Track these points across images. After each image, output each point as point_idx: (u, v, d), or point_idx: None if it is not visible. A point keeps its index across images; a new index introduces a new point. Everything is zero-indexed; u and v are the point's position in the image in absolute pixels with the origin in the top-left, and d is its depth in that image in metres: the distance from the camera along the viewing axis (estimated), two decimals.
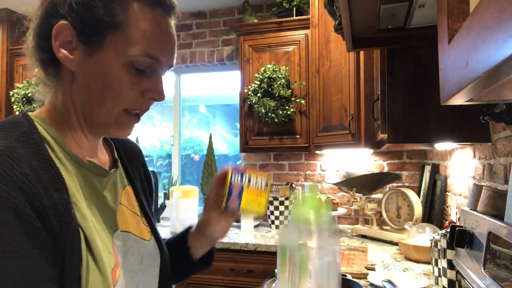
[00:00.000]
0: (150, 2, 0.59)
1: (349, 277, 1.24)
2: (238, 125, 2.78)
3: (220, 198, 0.77)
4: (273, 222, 2.62)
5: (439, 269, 1.33)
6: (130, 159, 0.78)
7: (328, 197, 2.52)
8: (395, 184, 2.56)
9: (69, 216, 0.54)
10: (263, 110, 2.50)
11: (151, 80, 0.62)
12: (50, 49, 0.59)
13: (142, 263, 0.69)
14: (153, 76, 0.62)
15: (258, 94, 2.50)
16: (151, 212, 0.79)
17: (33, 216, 0.49)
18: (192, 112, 3.50)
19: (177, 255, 0.85)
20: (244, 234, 2.47)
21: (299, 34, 2.56)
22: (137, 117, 0.64)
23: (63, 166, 0.58)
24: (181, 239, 0.87)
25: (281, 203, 2.58)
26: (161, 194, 2.99)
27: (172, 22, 0.64)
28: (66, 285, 0.52)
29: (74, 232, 0.54)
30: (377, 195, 2.33)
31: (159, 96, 0.63)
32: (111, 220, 0.65)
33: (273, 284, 0.87)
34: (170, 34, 0.63)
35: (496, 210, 0.97)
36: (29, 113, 0.63)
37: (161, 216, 2.94)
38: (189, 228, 0.89)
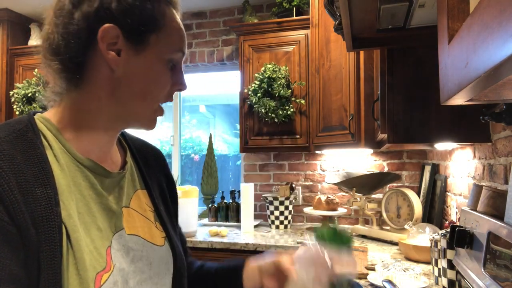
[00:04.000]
0: (172, 4, 0.67)
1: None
2: (238, 125, 2.78)
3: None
4: (273, 222, 2.62)
5: (439, 269, 1.33)
6: (146, 162, 0.78)
7: (328, 197, 2.52)
8: (395, 184, 2.56)
9: (50, 213, 0.53)
10: (263, 110, 2.50)
11: (178, 73, 0.68)
12: (83, 52, 0.61)
13: (151, 268, 0.68)
14: (179, 69, 0.68)
15: (258, 94, 2.50)
16: (170, 218, 0.77)
17: (1, 211, 0.49)
18: (192, 112, 3.50)
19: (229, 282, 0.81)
20: (244, 234, 2.47)
21: (299, 34, 2.56)
22: (162, 111, 0.69)
23: (58, 163, 0.58)
24: (236, 268, 0.81)
25: (281, 203, 2.58)
26: None
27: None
28: (43, 283, 0.51)
29: (54, 229, 0.52)
30: (377, 195, 2.33)
31: (184, 87, 0.69)
32: (112, 222, 0.64)
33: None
34: (183, 27, 0.69)
35: (496, 210, 0.97)
36: (38, 114, 0.64)
37: None
38: (242, 265, 0.81)
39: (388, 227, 2.15)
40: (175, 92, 0.69)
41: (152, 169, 0.78)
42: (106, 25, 0.60)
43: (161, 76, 0.64)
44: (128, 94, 0.63)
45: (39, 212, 0.52)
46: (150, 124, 0.68)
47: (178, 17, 0.68)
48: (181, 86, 0.68)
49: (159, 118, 0.70)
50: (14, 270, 0.49)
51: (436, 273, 1.36)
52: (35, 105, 2.98)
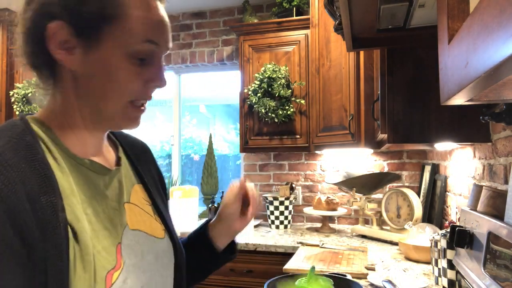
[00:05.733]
0: None
1: (349, 277, 1.24)
2: (238, 125, 2.78)
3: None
4: (273, 222, 2.62)
5: (439, 269, 1.33)
6: (138, 157, 0.78)
7: (328, 197, 2.52)
8: (395, 184, 2.56)
9: (55, 219, 0.52)
10: (263, 110, 2.50)
11: (153, 68, 0.62)
12: (43, 51, 0.58)
13: (157, 261, 0.69)
14: (155, 63, 0.63)
15: (258, 94, 2.50)
16: (166, 210, 0.78)
17: (6, 226, 0.47)
18: (192, 112, 3.50)
19: (200, 249, 0.84)
20: (244, 234, 2.47)
21: (299, 34, 2.56)
22: (142, 108, 0.65)
23: (58, 166, 0.57)
24: (201, 233, 0.86)
25: (281, 203, 2.58)
26: None
27: (162, 6, 0.64)
28: None
29: (60, 235, 0.52)
30: (377, 195, 2.33)
31: (161, 83, 0.64)
32: (117, 219, 0.64)
33: None
34: (163, 17, 0.63)
35: (496, 210, 0.97)
36: (28, 116, 0.62)
37: None
38: (208, 221, 0.88)
39: (388, 227, 2.15)
40: (155, 89, 0.65)
41: (143, 163, 0.78)
42: (53, 22, 0.56)
43: (122, 71, 0.59)
44: (91, 92, 0.60)
45: (46, 220, 0.51)
46: (127, 123, 0.64)
47: (150, 4, 0.60)
48: (157, 82, 0.63)
49: (145, 117, 0.67)
50: (17, 283, 0.48)
51: (436, 273, 1.36)
52: (35, 105, 2.98)
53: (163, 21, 0.62)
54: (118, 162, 0.71)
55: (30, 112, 2.89)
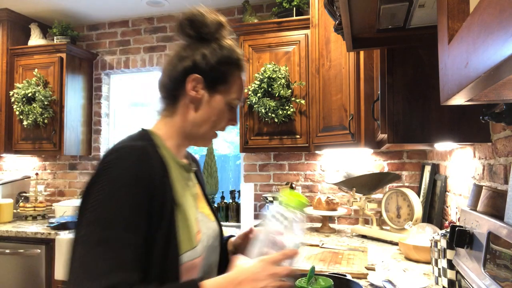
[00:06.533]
0: (240, 68, 0.98)
1: (349, 277, 1.24)
2: (238, 125, 2.78)
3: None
4: None
5: (439, 269, 1.33)
6: (197, 166, 1.13)
7: (328, 197, 2.52)
8: (395, 184, 2.56)
9: (170, 195, 0.85)
10: (263, 110, 2.50)
11: (233, 113, 1.00)
12: (177, 88, 0.94)
13: (213, 236, 1.01)
14: (235, 111, 1.00)
15: (258, 94, 2.50)
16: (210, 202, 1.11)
17: (143, 193, 0.79)
18: None
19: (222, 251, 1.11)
20: None
21: (299, 34, 2.55)
22: (217, 136, 1.01)
23: (169, 163, 0.90)
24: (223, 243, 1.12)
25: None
26: None
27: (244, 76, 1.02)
28: (161, 238, 0.80)
29: (171, 204, 0.85)
30: (377, 195, 2.33)
31: (236, 123, 1.02)
32: (194, 202, 0.98)
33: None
34: (244, 84, 1.02)
35: (496, 210, 0.97)
36: (148, 130, 0.95)
37: None
38: (230, 236, 1.15)
39: (388, 227, 2.15)
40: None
41: (198, 170, 1.13)
42: (195, 75, 0.92)
43: (221, 112, 0.96)
44: (194, 119, 0.95)
45: (165, 193, 0.84)
46: (206, 143, 1.01)
47: (242, 76, 1.00)
48: (233, 122, 1.00)
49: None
50: (132, 239, 0.76)
51: (436, 273, 1.36)
52: (35, 105, 2.97)
53: (244, 86, 1.01)
54: (189, 164, 1.03)
55: (30, 111, 2.90)
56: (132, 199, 0.77)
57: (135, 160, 0.81)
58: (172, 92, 0.95)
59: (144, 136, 0.92)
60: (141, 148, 0.83)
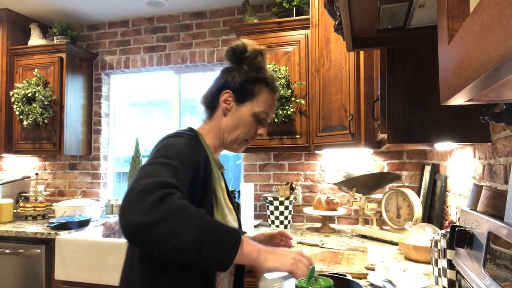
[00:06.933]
0: (271, 87, 1.19)
1: (349, 277, 1.24)
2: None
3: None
4: (273, 222, 2.62)
5: (439, 269, 1.33)
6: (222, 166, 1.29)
7: (328, 197, 2.52)
8: (395, 184, 2.56)
9: (210, 182, 1.05)
10: None
11: (262, 125, 1.20)
12: (215, 100, 1.18)
13: (236, 227, 1.12)
14: (263, 124, 1.20)
15: None
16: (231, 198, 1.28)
17: (193, 163, 1.00)
18: (192, 112, 3.50)
19: None
20: None
21: (299, 34, 2.56)
22: (248, 143, 1.21)
23: (210, 155, 1.10)
24: None
25: (281, 203, 2.58)
26: None
27: (276, 97, 1.23)
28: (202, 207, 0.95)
29: (210, 189, 1.05)
30: (377, 195, 2.33)
31: (263, 136, 1.21)
32: (224, 194, 1.16)
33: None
34: (274, 103, 1.22)
35: (496, 210, 0.97)
36: (194, 128, 1.18)
37: None
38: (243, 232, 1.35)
39: (388, 227, 2.15)
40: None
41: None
42: (226, 91, 1.16)
43: (248, 122, 1.16)
44: (226, 127, 1.16)
45: (206, 179, 1.03)
46: (236, 149, 1.21)
47: (272, 95, 1.19)
48: (262, 134, 1.20)
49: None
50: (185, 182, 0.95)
51: (436, 273, 1.36)
52: (35, 105, 2.97)
53: (274, 104, 1.21)
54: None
55: (29, 111, 2.89)
56: (185, 157, 0.97)
57: (188, 141, 1.04)
58: (211, 103, 1.19)
59: (192, 131, 1.13)
60: (192, 136, 1.08)
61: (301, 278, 0.92)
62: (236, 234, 0.87)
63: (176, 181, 0.88)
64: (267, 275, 0.95)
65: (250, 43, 1.20)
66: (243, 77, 1.16)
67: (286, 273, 0.94)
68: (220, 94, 1.16)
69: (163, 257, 0.86)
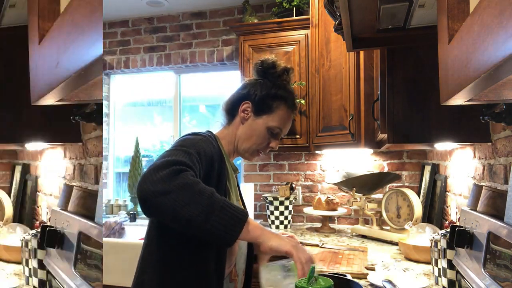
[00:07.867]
0: (289, 105, 1.25)
1: (349, 277, 1.24)
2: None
3: None
4: (273, 222, 2.62)
5: (439, 269, 1.33)
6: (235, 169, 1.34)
7: (328, 197, 2.52)
8: (395, 184, 2.56)
9: (224, 178, 1.11)
10: None
11: (275, 139, 1.25)
12: (235, 108, 1.24)
13: None
14: (276, 137, 1.25)
15: None
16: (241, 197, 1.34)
17: (206, 163, 1.03)
18: (192, 112, 3.50)
19: None
20: None
21: (299, 34, 2.55)
22: (259, 154, 1.26)
23: (225, 156, 1.17)
24: None
25: (281, 203, 2.58)
26: None
27: (293, 115, 1.29)
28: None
29: (224, 184, 1.11)
30: (377, 195, 2.33)
31: (275, 149, 1.26)
32: (237, 192, 1.24)
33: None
34: (290, 120, 1.27)
35: (496, 210, 0.97)
36: (212, 131, 1.24)
37: None
38: None
39: (388, 227, 2.15)
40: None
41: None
42: (246, 102, 1.23)
43: (262, 134, 1.22)
44: (240, 135, 1.23)
45: (220, 175, 1.09)
46: (249, 157, 1.26)
47: (289, 112, 1.25)
48: (274, 147, 1.25)
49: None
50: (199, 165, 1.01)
51: (436, 273, 1.36)
52: None
53: (289, 122, 1.27)
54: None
55: None
56: (201, 149, 1.04)
57: (205, 139, 1.09)
58: (231, 111, 1.25)
59: (210, 133, 1.20)
60: (209, 136, 1.14)
61: (301, 278, 0.92)
62: (244, 211, 0.93)
63: (192, 164, 0.96)
64: (270, 264, 0.99)
65: (279, 61, 1.28)
66: (264, 91, 1.22)
67: (287, 264, 0.98)
68: (240, 104, 1.23)
69: (174, 226, 0.93)
